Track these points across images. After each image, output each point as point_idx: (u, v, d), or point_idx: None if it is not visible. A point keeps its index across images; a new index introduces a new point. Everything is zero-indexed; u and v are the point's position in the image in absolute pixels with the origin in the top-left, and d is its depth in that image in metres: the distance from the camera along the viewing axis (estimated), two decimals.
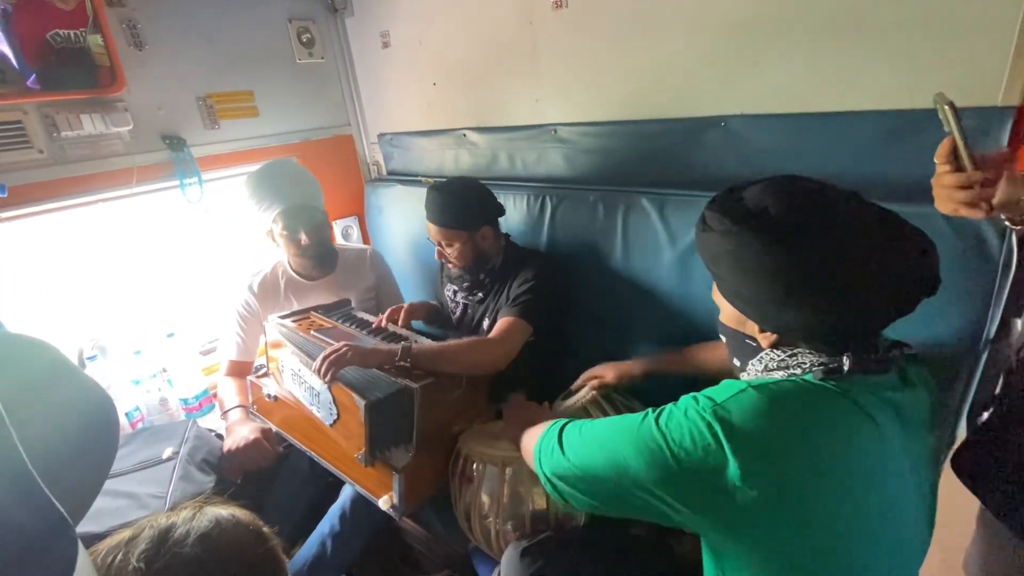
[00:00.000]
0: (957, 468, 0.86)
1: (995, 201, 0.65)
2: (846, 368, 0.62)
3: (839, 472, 0.59)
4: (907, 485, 0.66)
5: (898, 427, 0.64)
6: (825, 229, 0.59)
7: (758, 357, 0.69)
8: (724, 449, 0.58)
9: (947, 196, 0.68)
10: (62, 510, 0.36)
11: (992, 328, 0.90)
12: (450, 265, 1.44)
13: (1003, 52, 0.87)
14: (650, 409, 0.69)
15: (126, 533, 0.52)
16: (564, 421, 0.83)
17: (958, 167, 0.66)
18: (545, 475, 0.79)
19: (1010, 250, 0.85)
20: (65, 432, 0.43)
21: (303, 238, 1.52)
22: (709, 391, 0.65)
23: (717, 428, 0.59)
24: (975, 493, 0.82)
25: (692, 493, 0.61)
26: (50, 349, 0.47)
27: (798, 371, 0.65)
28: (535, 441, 0.84)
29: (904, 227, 0.62)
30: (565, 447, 0.77)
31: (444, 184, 1.37)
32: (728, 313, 0.73)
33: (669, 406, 0.67)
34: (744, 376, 0.73)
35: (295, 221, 1.51)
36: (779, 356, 0.67)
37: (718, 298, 0.74)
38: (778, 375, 0.67)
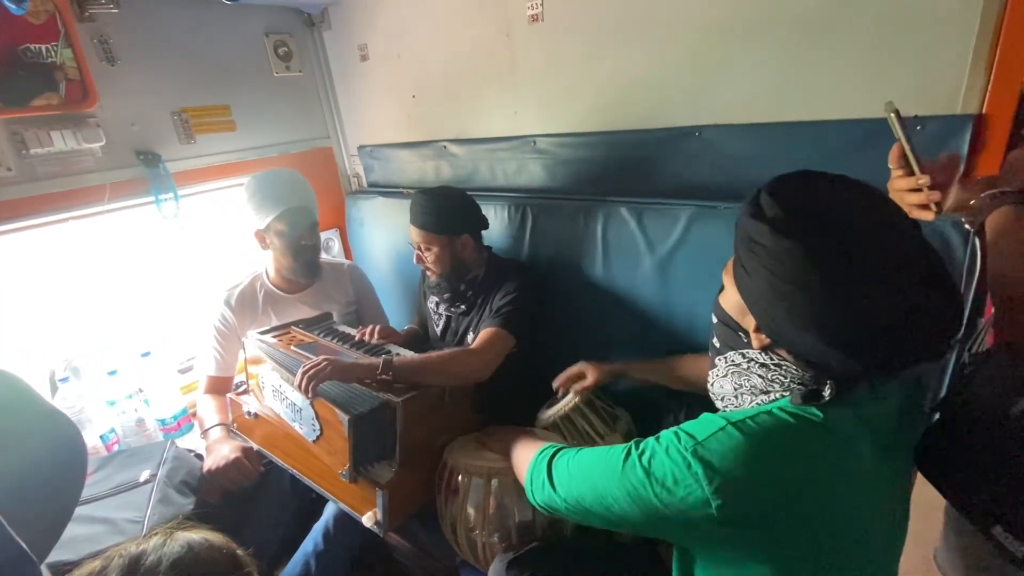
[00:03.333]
0: (918, 462, 0.88)
1: (946, 205, 0.68)
2: (826, 397, 0.61)
3: (817, 505, 0.61)
4: (884, 499, 0.68)
5: (871, 439, 0.64)
6: (880, 280, 0.54)
7: (740, 352, 0.68)
8: (704, 489, 0.59)
9: (899, 199, 0.71)
10: (23, 546, 0.35)
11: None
12: (428, 272, 1.43)
13: (961, 62, 0.90)
14: (633, 443, 0.69)
15: (95, 564, 0.50)
16: (552, 449, 0.83)
17: (909, 171, 0.69)
18: (539, 504, 0.81)
19: (974, 253, 0.88)
20: (27, 465, 0.42)
21: (304, 237, 1.51)
22: (690, 427, 0.65)
23: (698, 468, 0.60)
24: (934, 484, 0.84)
25: (675, 527, 0.64)
26: (9, 378, 0.45)
27: (776, 385, 0.65)
28: (526, 467, 0.86)
29: (946, 280, 0.57)
30: (555, 481, 0.78)
31: (431, 189, 1.38)
32: (731, 300, 0.69)
33: (652, 442, 0.67)
34: (718, 361, 0.72)
35: (299, 220, 1.49)
36: (761, 359, 0.66)
37: (728, 280, 0.69)
38: (755, 379, 0.67)
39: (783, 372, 0.64)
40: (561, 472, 0.78)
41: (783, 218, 0.57)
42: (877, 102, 1.00)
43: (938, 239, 0.91)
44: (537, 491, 0.81)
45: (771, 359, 0.65)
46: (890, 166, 0.72)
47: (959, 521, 0.88)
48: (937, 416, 0.93)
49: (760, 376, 0.66)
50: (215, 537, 0.56)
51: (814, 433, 0.61)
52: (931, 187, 0.67)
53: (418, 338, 1.63)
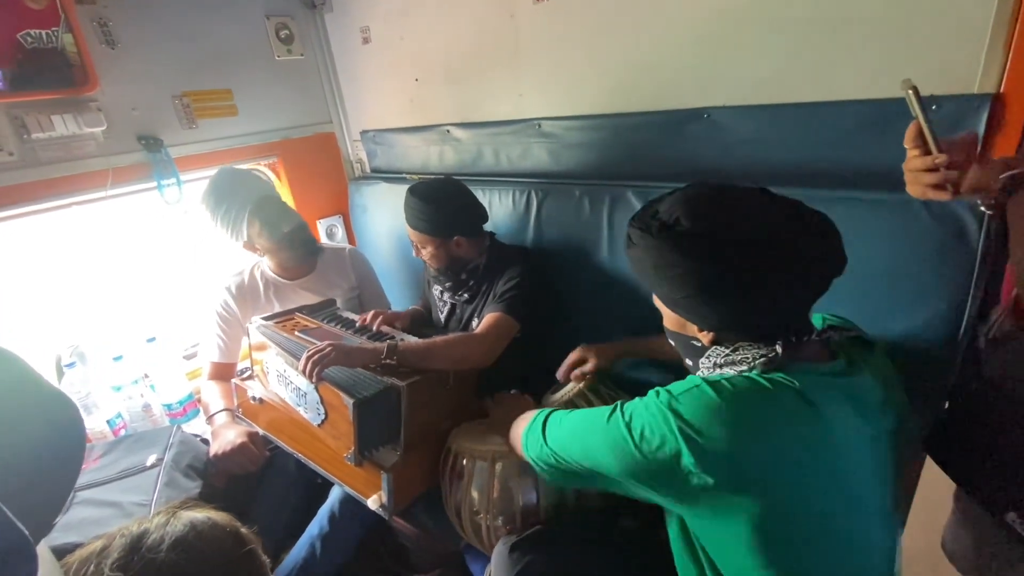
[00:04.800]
0: (930, 449, 0.87)
1: (965, 185, 0.66)
2: (779, 353, 0.66)
3: (790, 464, 0.63)
4: (861, 465, 0.68)
5: (850, 410, 0.67)
6: (729, 230, 0.65)
7: (706, 355, 0.73)
8: (678, 439, 0.63)
9: (915, 179, 0.70)
10: (23, 529, 0.34)
11: (973, 312, 0.91)
12: (428, 264, 1.43)
13: (978, 40, 0.87)
14: (619, 403, 0.74)
15: (98, 543, 0.50)
16: (548, 411, 0.89)
17: (925, 151, 0.67)
18: (531, 458, 0.87)
19: (988, 236, 0.86)
20: (25, 447, 0.41)
21: (284, 226, 1.50)
22: (671, 386, 0.70)
23: (671, 420, 0.64)
24: (946, 471, 0.84)
25: (655, 479, 0.67)
26: (9, 358, 0.45)
27: (744, 367, 0.68)
28: (523, 427, 0.91)
29: (806, 214, 0.67)
30: (548, 437, 0.83)
31: (422, 187, 1.34)
32: (669, 318, 0.79)
33: (636, 400, 0.72)
34: (699, 374, 0.76)
35: (269, 213, 1.48)
36: (723, 352, 0.71)
37: (659, 304, 0.79)
38: (728, 372, 0.69)
39: (743, 353, 0.69)
40: (553, 429, 0.84)
41: (648, 236, 0.69)
42: (891, 82, 0.97)
43: (952, 221, 0.89)
44: (531, 446, 0.87)
45: (728, 348, 0.71)
46: (906, 146, 0.70)
47: (968, 507, 0.87)
48: (948, 402, 0.92)
49: (730, 367, 0.70)
50: (219, 516, 0.56)
51: (787, 395, 0.64)
52: (948, 167, 0.66)
53: (422, 318, 1.62)
